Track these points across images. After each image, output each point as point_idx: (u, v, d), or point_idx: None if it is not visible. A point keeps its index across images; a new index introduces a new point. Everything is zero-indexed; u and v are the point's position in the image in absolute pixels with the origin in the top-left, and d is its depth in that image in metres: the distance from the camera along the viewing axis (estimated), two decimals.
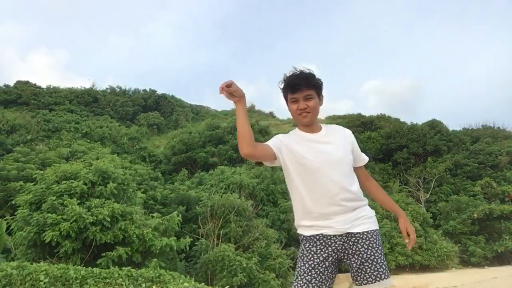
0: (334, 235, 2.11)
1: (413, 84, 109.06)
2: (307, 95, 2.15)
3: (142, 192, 11.05)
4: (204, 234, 10.97)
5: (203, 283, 6.30)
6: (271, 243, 11.06)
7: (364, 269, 2.10)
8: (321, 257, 2.11)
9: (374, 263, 2.09)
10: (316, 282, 2.08)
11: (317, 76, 2.21)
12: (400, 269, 16.18)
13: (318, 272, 2.10)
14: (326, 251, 2.12)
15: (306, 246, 2.16)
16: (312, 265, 2.10)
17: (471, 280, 11.99)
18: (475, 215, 19.15)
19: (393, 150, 29.05)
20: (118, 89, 43.14)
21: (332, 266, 2.13)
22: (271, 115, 51.49)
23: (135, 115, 39.03)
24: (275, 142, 2.15)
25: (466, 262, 18.54)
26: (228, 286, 8.56)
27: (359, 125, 34.93)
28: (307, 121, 2.19)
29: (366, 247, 2.10)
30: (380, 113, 40.21)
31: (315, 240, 2.14)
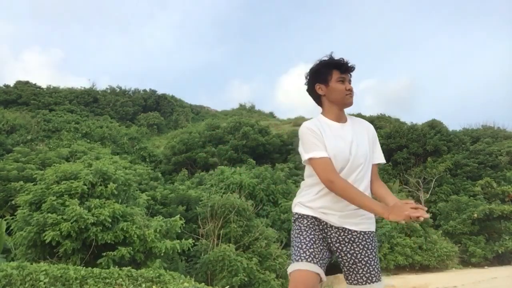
0: (331, 226, 2.09)
1: (411, 84, 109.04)
2: (351, 79, 2.17)
3: (142, 192, 11.06)
4: (204, 234, 10.97)
5: (203, 283, 6.30)
6: (271, 243, 11.05)
7: (356, 270, 2.07)
8: (320, 236, 2.07)
9: (367, 265, 2.06)
10: (318, 258, 1.99)
11: None
12: (400, 269, 16.17)
13: (320, 248, 2.03)
14: (323, 234, 2.09)
15: (304, 223, 2.10)
16: (314, 240, 2.04)
17: (471, 280, 11.97)
18: (475, 215, 19.13)
19: (393, 150, 29.03)
20: (118, 89, 43.21)
21: (327, 250, 2.08)
22: (271, 115, 51.52)
23: (135, 115, 39.07)
24: (323, 150, 2.04)
25: (466, 262, 18.52)
26: (228, 286, 8.56)
27: None
28: (352, 102, 2.16)
29: (361, 247, 2.07)
30: (380, 113, 40.30)
31: (314, 220, 2.10)
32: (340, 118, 2.17)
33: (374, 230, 2.16)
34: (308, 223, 2.09)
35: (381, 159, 2.25)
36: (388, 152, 29.85)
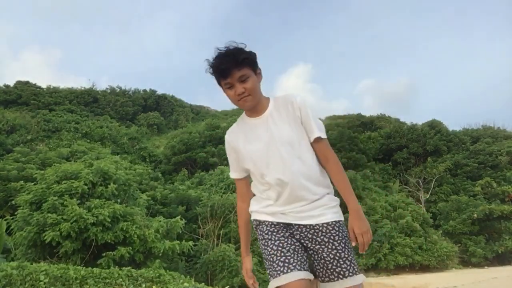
0: (291, 224, 1.91)
1: (410, 84, 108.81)
2: (241, 76, 1.83)
3: (142, 192, 11.08)
4: (204, 234, 10.98)
5: (203, 283, 6.30)
6: None
7: (326, 265, 1.86)
8: (287, 234, 1.88)
9: (337, 259, 1.84)
10: (295, 262, 1.79)
11: (249, 49, 1.89)
12: (400, 269, 16.18)
13: (292, 249, 1.83)
14: (290, 231, 1.90)
15: (265, 229, 1.91)
16: (282, 244, 1.85)
17: (471, 280, 11.99)
18: (475, 215, 19.15)
19: (393, 150, 29.05)
20: (118, 89, 43.13)
21: (301, 246, 1.88)
22: None
23: (135, 115, 39.05)
24: (235, 171, 2.04)
25: (466, 262, 18.54)
26: (228, 286, 8.56)
27: (359, 125, 34.92)
28: (249, 105, 1.90)
29: (327, 240, 1.86)
30: (380, 113, 40.31)
31: (274, 223, 1.91)
32: (256, 112, 1.95)
33: (339, 219, 1.92)
34: (269, 228, 1.90)
35: (315, 134, 1.89)
36: (388, 152, 29.93)
